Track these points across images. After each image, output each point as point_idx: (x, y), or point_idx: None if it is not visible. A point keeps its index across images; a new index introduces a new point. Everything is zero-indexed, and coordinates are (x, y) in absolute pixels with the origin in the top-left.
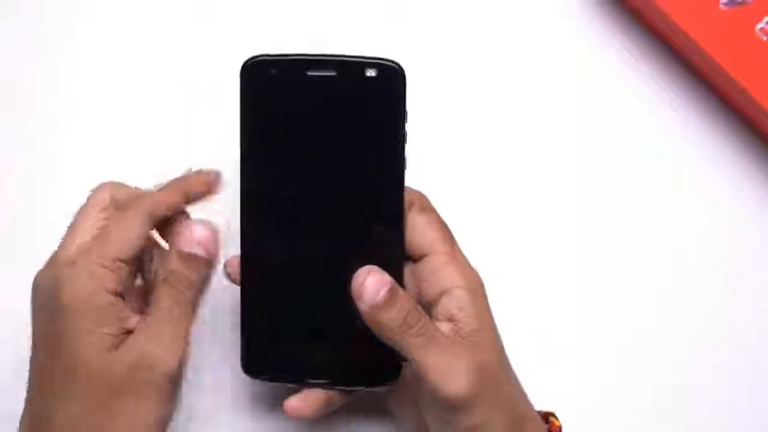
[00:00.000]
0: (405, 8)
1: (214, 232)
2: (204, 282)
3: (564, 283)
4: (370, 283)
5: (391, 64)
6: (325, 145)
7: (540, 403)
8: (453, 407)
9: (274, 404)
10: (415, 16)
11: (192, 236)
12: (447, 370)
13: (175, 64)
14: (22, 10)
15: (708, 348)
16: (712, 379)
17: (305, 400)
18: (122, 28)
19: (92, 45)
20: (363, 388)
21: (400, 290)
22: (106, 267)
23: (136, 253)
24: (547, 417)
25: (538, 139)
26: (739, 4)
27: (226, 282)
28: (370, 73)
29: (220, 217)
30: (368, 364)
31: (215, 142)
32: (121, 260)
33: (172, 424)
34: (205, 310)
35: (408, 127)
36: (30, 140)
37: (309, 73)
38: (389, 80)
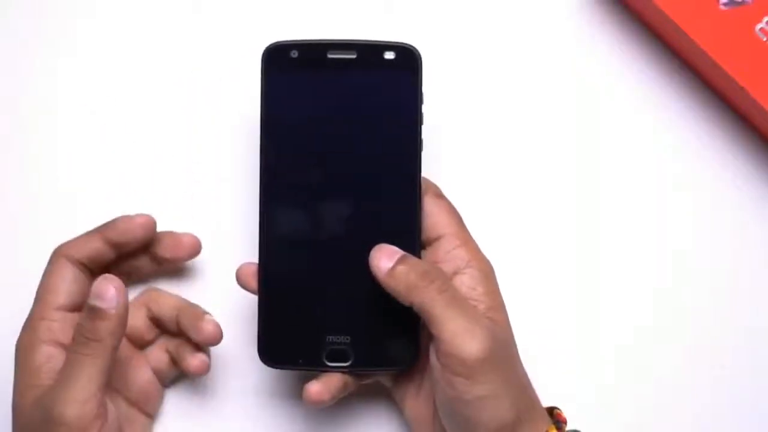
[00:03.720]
0: (403, 6)
1: (117, 286)
2: (108, 335)
3: (564, 282)
4: (383, 253)
5: (408, 47)
6: (344, 126)
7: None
8: (466, 371)
9: (290, 392)
10: (414, 15)
11: (95, 288)
12: (465, 331)
13: (175, 63)
14: (22, 9)
15: (708, 348)
16: (712, 379)
17: (325, 385)
18: (123, 28)
19: (92, 45)
20: (381, 370)
21: (414, 257)
22: (44, 318)
23: (69, 297)
24: (551, 410)
25: (537, 140)
26: (739, 4)
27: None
28: (389, 55)
29: (228, 217)
30: (386, 347)
31: (216, 142)
32: (58, 308)
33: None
34: (221, 300)
35: (424, 108)
36: (30, 140)
37: (329, 56)
38: (407, 63)
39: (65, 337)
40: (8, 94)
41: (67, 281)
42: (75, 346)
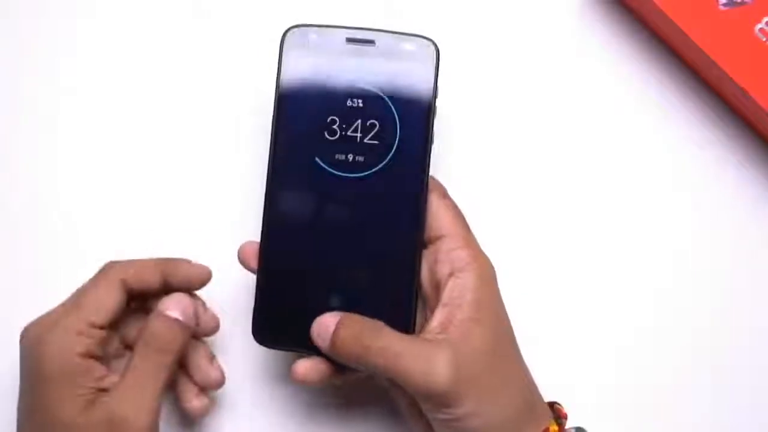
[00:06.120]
0: (405, 7)
1: (194, 302)
2: (180, 347)
3: (564, 282)
4: (318, 327)
5: (426, 39)
6: (357, 113)
7: None
8: (437, 401)
9: (284, 373)
10: (414, 12)
11: (172, 302)
12: (420, 372)
13: (177, 61)
14: (22, 9)
15: (708, 348)
16: (712, 379)
17: (315, 366)
18: (123, 28)
19: (92, 45)
20: None
21: (351, 319)
22: (80, 332)
23: (110, 319)
24: (552, 405)
25: (535, 140)
26: (738, 4)
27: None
28: (407, 46)
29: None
30: None
31: (216, 142)
32: (94, 325)
33: None
34: (219, 278)
35: (438, 102)
36: (31, 139)
37: (348, 42)
38: (424, 55)
39: (97, 351)
40: (8, 94)
41: (116, 304)
42: (149, 354)
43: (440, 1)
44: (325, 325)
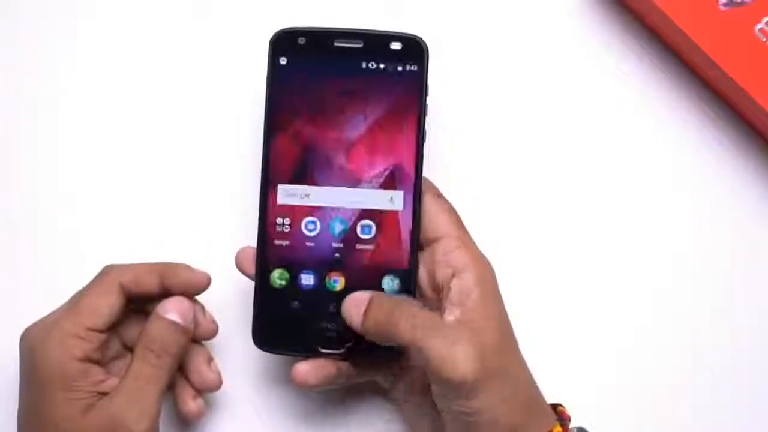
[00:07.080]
0: (405, 7)
1: (193, 306)
2: (179, 350)
3: (564, 282)
4: (350, 305)
5: (415, 38)
6: (348, 114)
7: None
8: (457, 391)
9: (283, 376)
10: (414, 12)
11: (172, 305)
12: (447, 356)
13: (175, 61)
14: (22, 9)
15: (708, 348)
16: (712, 379)
17: (314, 369)
18: (123, 28)
19: (92, 45)
20: (374, 358)
21: (381, 297)
22: (78, 336)
23: (109, 322)
24: (555, 407)
25: (537, 140)
26: (739, 4)
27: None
28: (395, 46)
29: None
30: None
31: (216, 142)
32: (92, 329)
33: None
34: (219, 281)
35: (429, 100)
36: (30, 140)
37: (336, 44)
38: (413, 54)
39: (95, 354)
40: (8, 94)
41: (114, 308)
42: (149, 358)
43: (440, 1)
44: (358, 299)
